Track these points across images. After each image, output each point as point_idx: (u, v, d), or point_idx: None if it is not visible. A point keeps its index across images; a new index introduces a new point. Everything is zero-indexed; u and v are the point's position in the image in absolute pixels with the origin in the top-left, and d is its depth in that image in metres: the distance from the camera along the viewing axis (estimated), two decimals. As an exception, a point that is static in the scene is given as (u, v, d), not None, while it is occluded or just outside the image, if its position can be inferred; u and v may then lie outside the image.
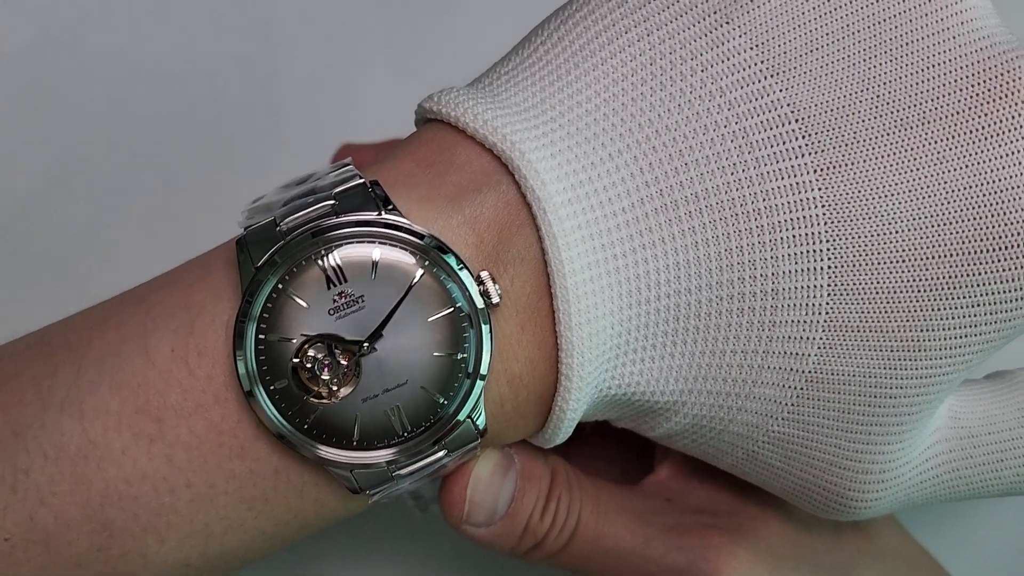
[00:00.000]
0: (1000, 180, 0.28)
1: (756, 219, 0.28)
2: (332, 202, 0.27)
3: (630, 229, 0.28)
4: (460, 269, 0.27)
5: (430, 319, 0.27)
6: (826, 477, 0.30)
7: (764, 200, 0.28)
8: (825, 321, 0.28)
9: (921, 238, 0.27)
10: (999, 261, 0.27)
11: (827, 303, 0.28)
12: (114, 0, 0.47)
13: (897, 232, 0.27)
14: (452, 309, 0.27)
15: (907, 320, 0.28)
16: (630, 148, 0.28)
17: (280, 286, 0.26)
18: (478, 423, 0.28)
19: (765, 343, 0.28)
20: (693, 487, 0.35)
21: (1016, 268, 0.28)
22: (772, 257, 0.28)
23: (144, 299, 0.28)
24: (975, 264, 0.27)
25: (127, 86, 0.47)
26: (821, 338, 0.28)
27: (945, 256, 0.27)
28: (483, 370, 0.27)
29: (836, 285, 0.27)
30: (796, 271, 0.28)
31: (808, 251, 0.28)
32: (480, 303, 0.27)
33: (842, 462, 0.30)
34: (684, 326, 0.28)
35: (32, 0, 0.46)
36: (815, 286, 0.27)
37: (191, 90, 0.49)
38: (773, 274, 0.28)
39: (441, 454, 0.28)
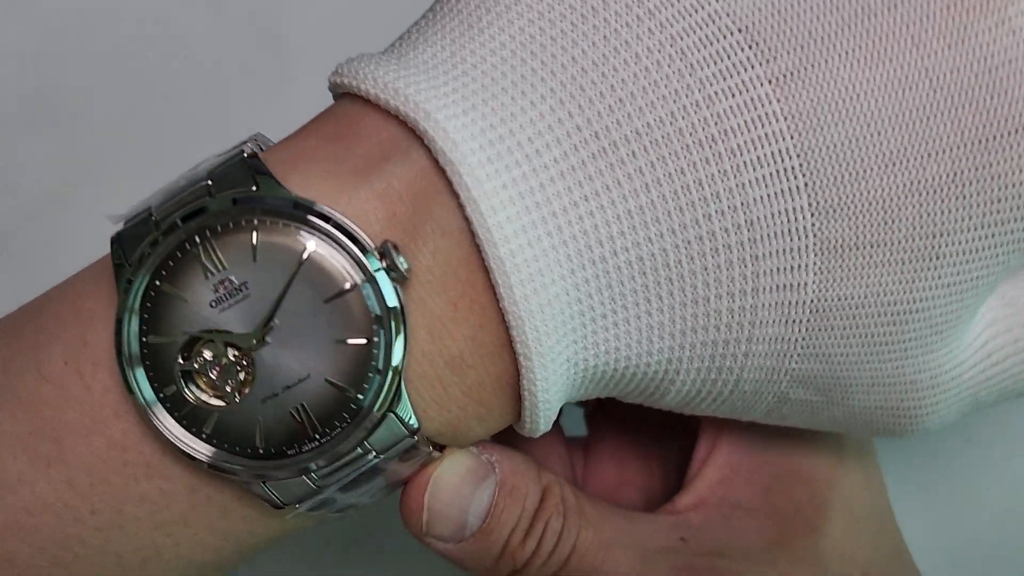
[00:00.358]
0: (995, 55, 0.23)
1: (711, 146, 0.24)
2: (207, 183, 0.24)
3: (566, 181, 0.24)
4: (345, 234, 0.24)
5: (327, 301, 0.24)
6: (872, 399, 0.27)
7: (716, 124, 0.24)
8: (815, 244, 0.24)
9: (910, 136, 0.24)
10: (1012, 148, 0.24)
11: (813, 224, 0.24)
12: None
13: (880, 133, 0.24)
14: (352, 287, 0.24)
15: (913, 228, 0.24)
16: (554, 92, 0.25)
17: (157, 282, 0.24)
18: (404, 417, 0.24)
19: (752, 280, 0.25)
20: (713, 525, 0.30)
21: None
22: (738, 185, 0.24)
23: (39, 311, 0.26)
24: (982, 155, 0.24)
25: (124, 83, 0.47)
26: (815, 263, 0.25)
27: (944, 151, 0.24)
28: (397, 355, 0.24)
29: (819, 203, 0.24)
30: (769, 195, 0.24)
31: (778, 171, 0.24)
32: (385, 279, 0.24)
33: (883, 380, 0.27)
34: (654, 279, 0.25)
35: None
36: (794, 208, 0.24)
37: (192, 91, 0.48)
38: (743, 204, 0.24)
39: (371, 456, 0.25)
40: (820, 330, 0.25)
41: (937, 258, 0.25)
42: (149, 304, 0.24)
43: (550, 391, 0.26)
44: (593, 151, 0.24)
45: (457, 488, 0.27)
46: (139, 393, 0.24)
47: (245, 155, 0.24)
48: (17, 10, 0.42)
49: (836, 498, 0.30)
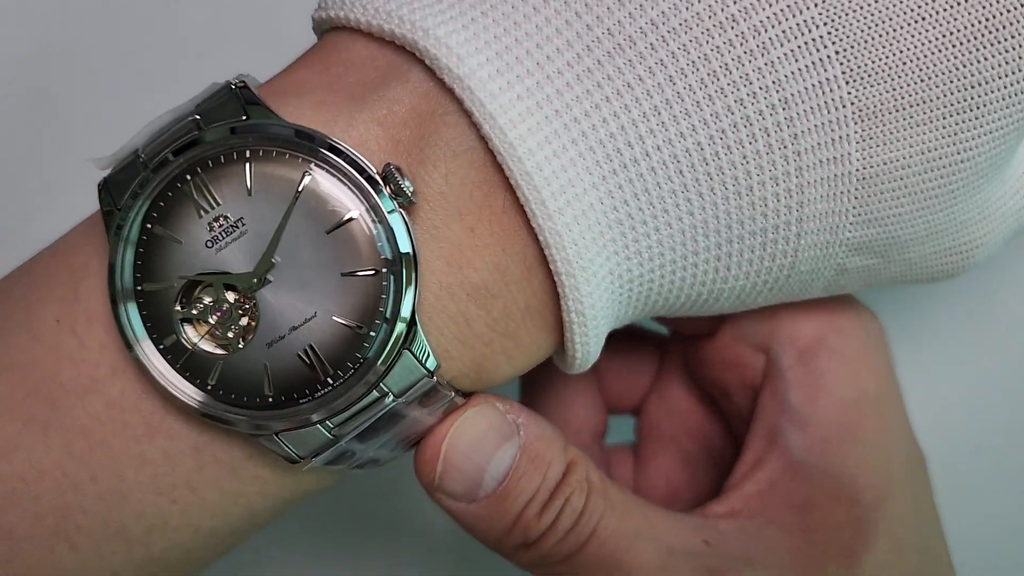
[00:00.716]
0: None
1: (733, 27, 0.23)
2: (195, 117, 0.23)
3: (583, 84, 0.23)
4: (345, 160, 0.22)
5: (329, 232, 0.22)
6: (927, 247, 0.27)
7: (735, 3, 0.23)
8: (854, 113, 0.24)
9: None
10: None
11: (848, 93, 0.23)
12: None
13: None
14: (355, 215, 0.22)
15: (951, 81, 0.23)
16: None
17: (148, 225, 0.22)
18: (420, 354, 0.23)
19: (795, 160, 0.24)
20: (742, 535, 0.28)
21: None
22: (767, 64, 0.23)
23: (29, 270, 0.25)
24: None
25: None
26: (857, 132, 0.24)
27: None
28: (408, 294, 0.22)
29: (853, 70, 0.23)
30: (800, 70, 0.23)
31: (806, 43, 0.23)
32: (399, 220, 0.22)
33: (937, 228, 0.26)
34: (693, 176, 0.24)
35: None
36: (828, 79, 0.23)
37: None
38: (775, 82, 0.23)
39: (388, 399, 0.23)
40: (870, 196, 0.25)
41: (978, 108, 0.24)
42: (142, 250, 0.22)
43: (596, 307, 0.24)
44: (608, 49, 0.23)
45: (477, 442, 0.25)
46: (132, 334, 0.22)
47: (234, 87, 0.23)
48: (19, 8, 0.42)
49: (881, 520, 0.29)
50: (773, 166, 0.24)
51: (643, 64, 0.23)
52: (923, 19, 0.23)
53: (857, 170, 0.24)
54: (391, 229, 0.22)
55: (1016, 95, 0.24)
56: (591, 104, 0.23)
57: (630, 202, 0.24)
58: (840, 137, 0.24)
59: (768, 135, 0.23)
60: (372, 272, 0.22)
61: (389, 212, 0.22)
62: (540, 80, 0.23)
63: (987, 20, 0.23)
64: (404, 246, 0.22)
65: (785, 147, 0.24)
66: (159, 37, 0.41)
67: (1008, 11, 0.23)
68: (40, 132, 0.41)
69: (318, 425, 0.23)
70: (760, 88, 0.23)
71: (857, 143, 0.24)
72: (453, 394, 0.24)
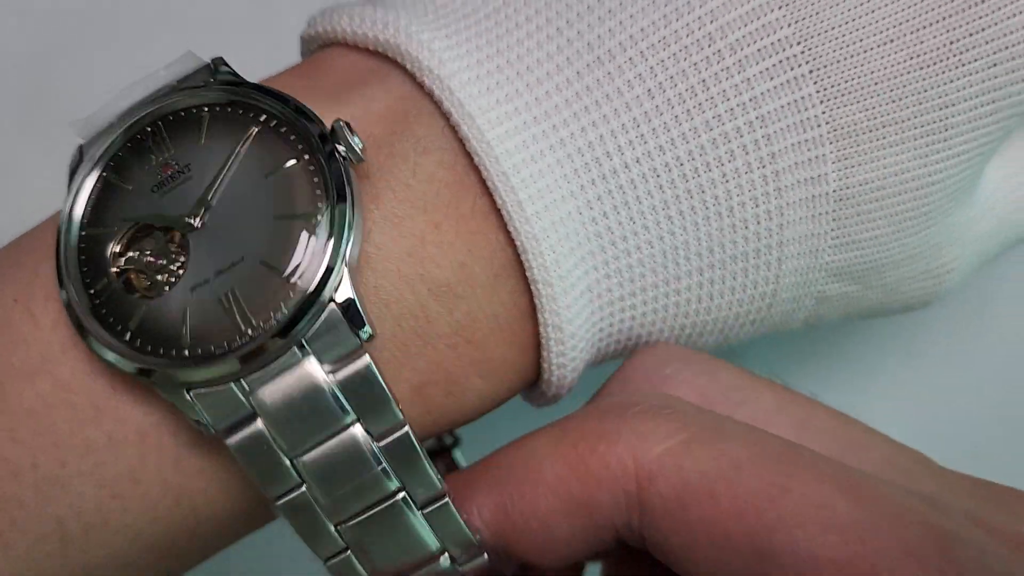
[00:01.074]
0: None
1: (710, 45, 0.23)
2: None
3: (563, 94, 0.23)
4: (298, 113, 0.22)
5: (269, 176, 0.21)
6: (903, 272, 0.26)
7: (712, 22, 0.23)
8: (829, 132, 0.23)
9: (904, 9, 0.23)
10: (1000, 9, 0.23)
11: (823, 111, 0.23)
12: None
13: (874, 11, 0.23)
14: (296, 161, 0.21)
15: (921, 103, 0.24)
16: (539, 12, 0.24)
17: (105, 174, 0.22)
18: (352, 319, 0.20)
19: (774, 180, 0.24)
20: None
21: None
22: (744, 81, 0.23)
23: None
24: (974, 20, 0.23)
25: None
26: (833, 152, 0.24)
27: (939, 20, 0.23)
28: (343, 245, 0.21)
29: (826, 89, 0.23)
30: (775, 88, 0.23)
31: (781, 61, 0.23)
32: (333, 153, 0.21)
33: (912, 251, 0.26)
34: (673, 192, 0.23)
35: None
36: (802, 97, 0.23)
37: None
38: (752, 100, 0.23)
39: (310, 363, 0.20)
40: (847, 218, 0.24)
41: (947, 129, 0.24)
42: (94, 196, 0.22)
43: (575, 322, 0.22)
44: (589, 61, 0.23)
45: None
46: (65, 272, 0.22)
47: (209, 64, 0.23)
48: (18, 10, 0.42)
49: None
50: (752, 186, 0.23)
51: (621, 77, 0.23)
52: (892, 41, 0.23)
53: (835, 191, 0.24)
54: (331, 178, 0.21)
55: (981, 117, 0.24)
56: (570, 113, 0.23)
57: (609, 215, 0.23)
58: (817, 156, 0.23)
59: (747, 153, 0.23)
60: (306, 216, 0.21)
61: (329, 159, 0.21)
62: (519, 88, 0.23)
63: (951, 44, 0.23)
64: (342, 192, 0.21)
65: (764, 166, 0.23)
66: (159, 37, 0.42)
67: (970, 35, 0.23)
68: (40, 132, 0.41)
69: (231, 384, 0.20)
70: (737, 105, 0.23)
71: (833, 163, 0.24)
72: (402, 415, 0.21)
